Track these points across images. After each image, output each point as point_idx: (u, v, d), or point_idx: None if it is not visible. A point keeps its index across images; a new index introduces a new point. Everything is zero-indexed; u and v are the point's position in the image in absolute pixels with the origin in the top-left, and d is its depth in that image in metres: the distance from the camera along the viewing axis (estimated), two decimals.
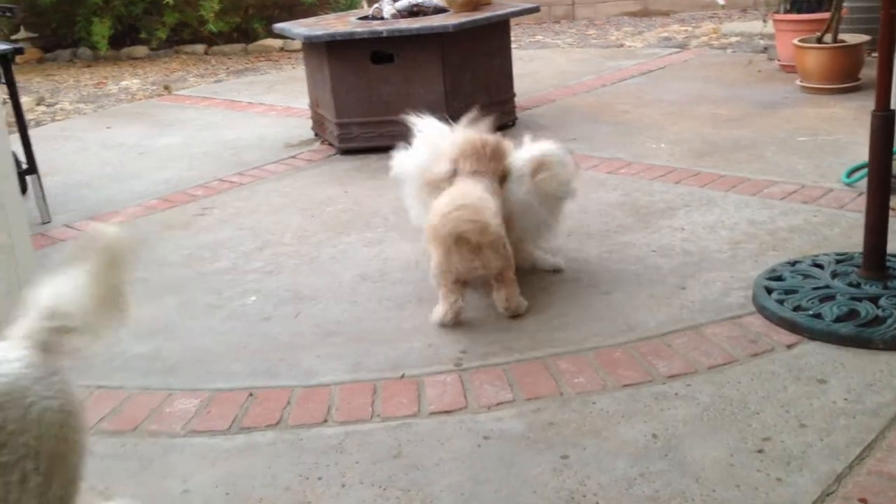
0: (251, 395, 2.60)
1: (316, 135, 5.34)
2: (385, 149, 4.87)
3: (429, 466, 2.20)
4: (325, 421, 2.44)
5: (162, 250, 3.78)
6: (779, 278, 2.90)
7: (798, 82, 5.51)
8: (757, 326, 2.71)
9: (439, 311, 2.90)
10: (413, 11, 5.14)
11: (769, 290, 2.82)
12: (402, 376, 2.62)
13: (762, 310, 2.76)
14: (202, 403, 2.57)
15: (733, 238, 3.38)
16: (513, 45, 5.41)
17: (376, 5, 5.22)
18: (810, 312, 2.64)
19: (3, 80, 4.16)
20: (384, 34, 4.70)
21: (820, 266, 2.92)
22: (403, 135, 4.94)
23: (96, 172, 5.01)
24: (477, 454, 2.23)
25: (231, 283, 3.38)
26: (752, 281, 2.97)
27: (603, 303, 2.97)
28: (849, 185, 3.80)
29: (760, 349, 2.58)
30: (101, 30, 8.44)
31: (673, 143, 4.66)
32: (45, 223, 4.20)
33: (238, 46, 8.89)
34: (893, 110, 2.69)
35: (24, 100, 6.80)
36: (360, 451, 2.29)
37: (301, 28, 5.05)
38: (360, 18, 5.19)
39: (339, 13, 6.25)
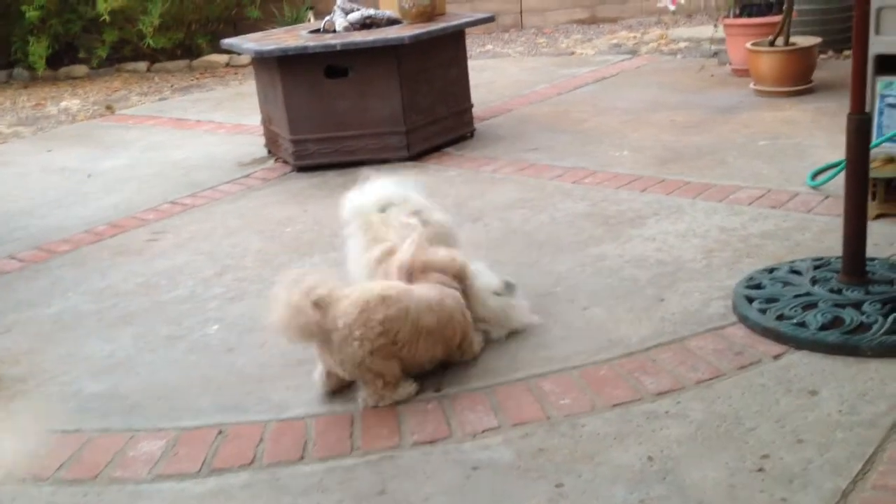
0: (221, 432, 2.45)
1: (269, 152, 5.18)
2: (343, 165, 4.78)
3: (417, 502, 2.08)
4: (302, 458, 2.30)
5: (114, 278, 3.59)
6: (758, 286, 2.85)
7: (752, 86, 5.53)
8: (741, 337, 2.65)
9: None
10: (366, 24, 5.02)
11: (750, 300, 2.76)
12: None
13: (744, 320, 2.70)
14: (168, 444, 2.41)
15: (706, 246, 3.33)
16: None
17: (328, 18, 5.09)
18: (794, 321, 2.59)
19: None
20: (338, 48, 4.58)
21: (798, 272, 2.88)
22: (361, 150, 4.86)
23: (39, 199, 4.78)
24: (467, 487, 2.12)
25: (191, 312, 3.22)
26: (730, 290, 2.92)
27: (582, 319, 2.88)
28: (814, 187, 3.79)
29: (747, 361, 2.52)
30: (38, 49, 8.14)
31: (635, 150, 4.62)
32: None
33: (182, 63, 8.66)
34: (868, 112, 2.65)
35: None
36: (343, 489, 2.16)
37: (250, 43, 4.90)
38: (312, 32, 5.06)
39: (287, 27, 6.10)
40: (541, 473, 2.14)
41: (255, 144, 5.33)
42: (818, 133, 4.53)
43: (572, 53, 7.78)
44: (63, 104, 7.42)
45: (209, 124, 6.19)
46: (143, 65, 8.66)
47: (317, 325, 2.39)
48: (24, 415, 2.62)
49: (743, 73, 5.83)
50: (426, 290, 2.57)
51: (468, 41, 5.21)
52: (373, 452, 2.29)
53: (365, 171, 3.16)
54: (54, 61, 8.56)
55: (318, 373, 2.60)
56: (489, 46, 8.56)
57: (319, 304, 2.39)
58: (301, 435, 2.40)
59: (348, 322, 2.41)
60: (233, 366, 2.81)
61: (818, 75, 5.46)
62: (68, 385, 2.78)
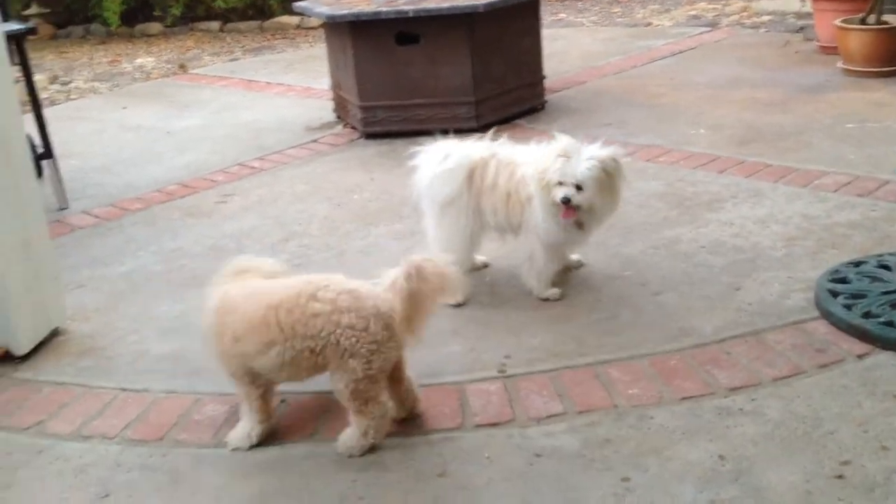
0: (283, 401, 2.45)
1: (338, 117, 5.16)
2: (411, 133, 4.72)
3: (478, 487, 2.05)
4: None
5: (184, 240, 3.62)
6: (843, 280, 2.72)
7: (839, 65, 5.29)
8: (823, 333, 2.54)
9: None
10: None
11: (834, 294, 2.64)
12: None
13: (827, 315, 2.58)
14: (232, 410, 2.42)
15: (787, 234, 3.19)
16: None
17: None
18: (882, 320, 2.47)
19: (17, 61, 3.99)
20: (410, 14, 4.50)
21: (887, 267, 2.74)
22: (429, 119, 4.78)
23: (114, 156, 4.85)
24: (530, 474, 2.08)
25: None
26: (812, 282, 2.79)
27: (653, 304, 2.80)
28: None
29: (829, 359, 2.41)
30: (113, 6, 8.24)
31: (713, 128, 4.46)
32: (62, 209, 4.04)
33: (253, 24, 8.68)
34: None
35: (38, 78, 6.62)
36: (403, 468, 2.14)
37: (323, 7, 4.85)
38: None
39: None
40: (606, 465, 2.08)
41: (324, 109, 5.31)
42: None
43: (648, 24, 7.55)
44: (138, 61, 7.51)
45: (279, 87, 6.19)
46: (215, 24, 8.70)
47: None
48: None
49: (830, 50, 5.57)
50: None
51: (540, 8, 5.07)
52: (435, 432, 2.26)
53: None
54: (130, 18, 8.66)
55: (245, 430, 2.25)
56: (562, 15, 8.37)
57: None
58: None
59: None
60: None
61: None
62: (137, 344, 2.82)
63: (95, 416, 2.42)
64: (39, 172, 4.18)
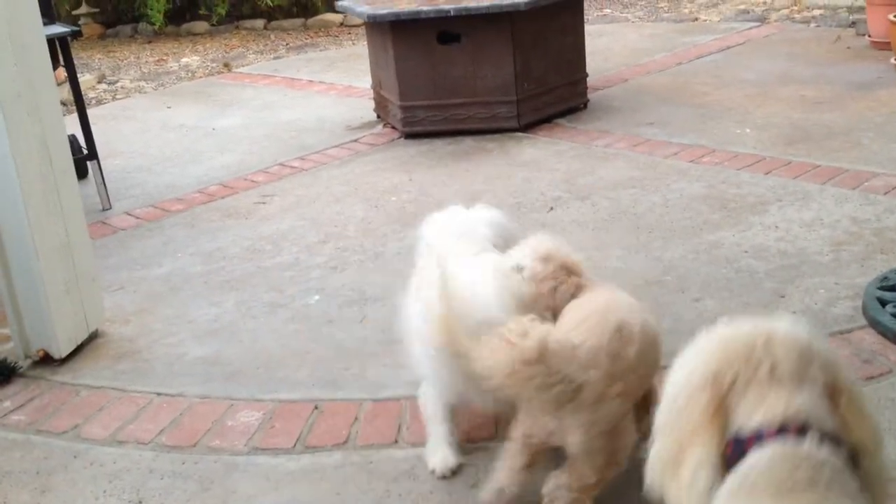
0: (316, 407, 2.45)
1: (378, 117, 5.15)
2: (452, 133, 4.71)
3: None
4: (396, 441, 2.27)
5: (222, 241, 3.65)
6: (892, 288, 2.63)
7: (892, 61, 5.12)
8: (870, 343, 2.45)
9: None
10: None
11: (883, 302, 2.55)
12: None
13: (875, 324, 2.50)
14: (265, 416, 2.42)
15: (835, 238, 3.10)
16: None
17: None
18: None
19: (62, 62, 4.06)
20: (451, 13, 4.46)
21: None
22: (470, 119, 4.76)
23: (157, 155, 4.91)
24: None
25: (293, 280, 3.23)
26: (860, 289, 2.70)
27: (694, 311, 2.73)
28: None
29: (877, 371, 2.33)
30: (157, 5, 8.34)
31: (759, 128, 4.35)
32: (105, 210, 4.10)
33: (297, 21, 8.72)
34: None
35: (86, 77, 6.77)
36: (434, 479, 2.11)
37: (364, 6, 4.84)
38: None
39: None
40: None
41: (365, 108, 5.31)
42: None
43: (695, 19, 7.41)
44: (184, 60, 7.59)
45: (320, 85, 6.21)
46: (260, 22, 8.76)
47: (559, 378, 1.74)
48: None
49: (883, 46, 5.40)
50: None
51: (585, 4, 5.00)
52: (469, 442, 2.23)
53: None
54: (177, 17, 8.76)
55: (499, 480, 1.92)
56: (607, 10, 8.26)
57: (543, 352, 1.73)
58: (395, 417, 2.37)
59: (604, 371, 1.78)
60: (332, 339, 2.80)
61: None
62: (174, 347, 2.84)
63: (131, 421, 2.44)
64: (84, 173, 4.25)
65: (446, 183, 4.05)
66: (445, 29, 4.57)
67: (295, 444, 2.29)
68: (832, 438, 1.08)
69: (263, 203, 4.04)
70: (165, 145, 5.08)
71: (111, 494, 2.15)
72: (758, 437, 1.10)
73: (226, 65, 7.25)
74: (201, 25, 8.80)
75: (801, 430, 1.09)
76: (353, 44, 7.69)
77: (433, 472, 2.12)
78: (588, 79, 5.03)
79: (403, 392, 2.47)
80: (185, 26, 8.83)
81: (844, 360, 1.32)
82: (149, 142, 5.19)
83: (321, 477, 2.16)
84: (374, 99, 5.19)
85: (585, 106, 4.97)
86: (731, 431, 1.15)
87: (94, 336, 2.89)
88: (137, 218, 3.99)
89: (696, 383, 1.20)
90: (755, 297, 2.77)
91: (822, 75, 5.16)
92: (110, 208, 4.11)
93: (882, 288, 2.64)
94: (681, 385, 1.24)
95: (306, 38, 8.21)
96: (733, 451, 1.13)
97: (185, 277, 3.34)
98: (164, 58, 7.79)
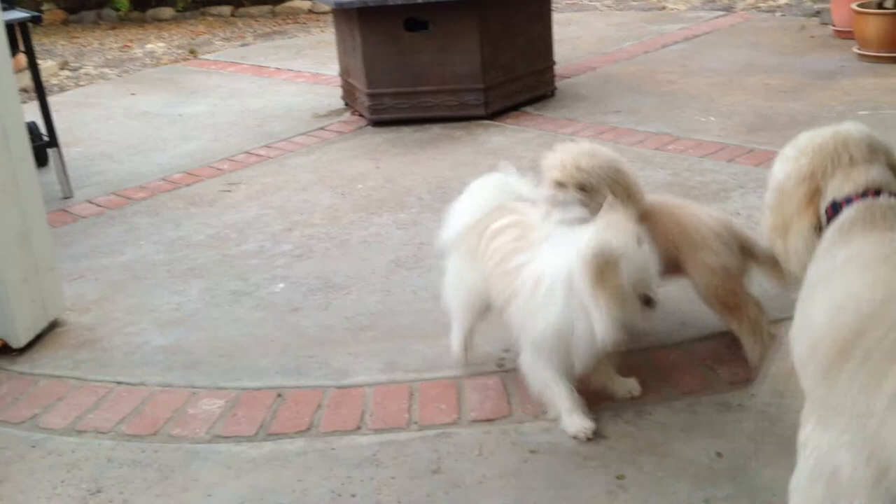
0: (279, 395, 2.44)
1: (346, 105, 5.12)
2: (419, 120, 4.70)
3: (471, 485, 2.03)
4: (359, 428, 2.27)
5: (186, 229, 3.61)
6: None
7: (855, 50, 5.19)
8: None
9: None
10: None
11: None
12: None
13: None
14: (227, 404, 2.41)
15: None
16: None
17: None
18: None
19: (22, 48, 3.99)
20: (419, 0, 4.45)
21: None
22: (437, 106, 4.75)
23: (120, 143, 4.84)
24: (523, 472, 2.05)
25: (258, 268, 3.21)
26: None
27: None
28: None
29: None
30: None
31: (723, 116, 4.39)
32: (66, 198, 4.04)
33: (265, 8, 8.64)
34: None
35: (48, 64, 6.65)
36: (397, 465, 2.12)
37: None
38: None
39: None
40: (602, 462, 2.06)
41: (333, 96, 5.28)
42: None
43: (663, 8, 7.45)
44: (148, 47, 7.50)
45: (288, 73, 6.16)
46: (227, 9, 8.67)
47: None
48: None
49: (846, 35, 5.47)
50: None
51: None
52: (430, 428, 2.24)
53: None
54: (142, 3, 8.64)
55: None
56: None
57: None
58: (359, 404, 2.36)
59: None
60: (296, 327, 2.79)
61: None
62: (135, 336, 2.81)
63: (90, 410, 2.42)
64: (44, 161, 4.19)
65: (413, 170, 4.04)
66: (413, 16, 4.56)
67: (257, 432, 2.28)
68: None
69: (229, 191, 4.01)
70: (129, 133, 5.02)
71: (69, 484, 2.13)
72: (847, 201, 1.58)
73: (192, 51, 7.17)
74: (167, 11, 8.69)
75: (878, 192, 1.58)
76: (322, 31, 7.64)
77: (576, 437, 2.13)
78: (556, 67, 5.05)
79: (367, 379, 2.47)
80: (150, 12, 8.71)
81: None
82: (112, 129, 5.13)
83: (283, 464, 2.16)
84: (342, 86, 5.16)
85: (553, 94, 4.98)
86: (827, 201, 1.64)
87: (53, 325, 2.85)
88: (99, 206, 3.94)
89: (798, 175, 1.69)
90: None
91: (786, 64, 5.21)
92: (72, 196, 4.05)
93: None
94: (786, 175, 1.73)
95: (274, 26, 8.13)
96: (832, 213, 1.62)
97: (148, 266, 3.30)
98: (129, 44, 7.68)
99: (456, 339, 2.47)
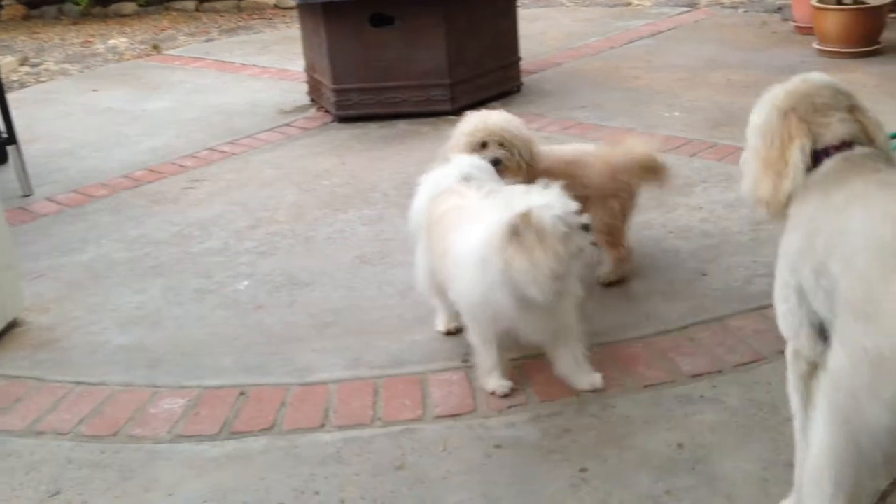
0: (242, 393, 2.42)
1: (312, 100, 5.09)
2: (385, 116, 4.68)
3: (435, 480, 2.03)
4: (323, 425, 2.26)
5: (148, 227, 3.57)
6: None
7: (815, 45, 5.26)
8: None
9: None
10: None
11: None
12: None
13: None
14: (189, 403, 2.39)
15: (755, 218, 3.16)
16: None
17: None
18: None
19: None
20: None
21: None
22: (404, 102, 4.74)
23: (81, 140, 4.77)
24: (488, 466, 2.06)
25: (222, 266, 3.18)
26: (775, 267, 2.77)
27: (620, 290, 2.78)
28: None
29: None
30: None
31: (687, 111, 4.43)
32: (25, 196, 3.97)
33: (230, 3, 8.55)
34: None
35: (8, 60, 6.54)
36: (361, 462, 2.11)
37: None
38: None
39: None
40: (565, 456, 2.07)
41: (298, 91, 5.24)
42: (884, 99, 4.29)
43: (628, 4, 7.49)
44: (111, 42, 7.39)
45: (253, 68, 6.11)
46: (191, 3, 8.57)
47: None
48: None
49: (807, 30, 5.54)
50: None
51: None
52: (394, 424, 2.24)
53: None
54: None
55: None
56: None
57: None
58: (323, 401, 2.35)
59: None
60: (260, 324, 2.77)
61: (887, 36, 5.16)
62: (95, 335, 2.77)
63: (49, 411, 2.38)
64: (3, 158, 4.12)
65: (379, 166, 4.03)
66: (378, 11, 4.54)
67: (220, 431, 2.27)
68: (868, 142, 1.70)
69: (192, 188, 3.97)
70: (90, 129, 4.95)
71: (27, 486, 2.10)
72: (826, 152, 1.69)
73: (155, 47, 7.08)
74: (129, 6, 8.57)
75: (850, 144, 1.69)
76: (288, 26, 7.58)
77: (493, 393, 2.30)
78: (522, 62, 5.05)
79: (331, 376, 2.46)
80: (112, 7, 8.58)
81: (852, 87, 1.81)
82: (73, 126, 5.05)
83: (246, 463, 2.14)
84: (308, 82, 5.13)
85: (519, 89, 4.99)
86: (806, 148, 1.71)
87: (12, 325, 2.81)
88: (60, 204, 3.88)
89: (777, 113, 1.80)
90: (678, 275, 2.83)
91: (748, 60, 5.27)
92: (31, 194, 3.98)
93: None
94: (765, 119, 1.84)
95: (239, 21, 8.06)
96: (813, 162, 1.71)
97: (109, 264, 3.26)
98: (91, 39, 7.57)
99: (439, 321, 2.60)
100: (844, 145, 1.69)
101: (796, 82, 1.84)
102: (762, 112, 1.87)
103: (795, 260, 1.65)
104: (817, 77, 1.83)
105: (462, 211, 2.31)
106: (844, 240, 1.52)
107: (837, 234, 1.55)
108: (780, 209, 1.72)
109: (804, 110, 1.75)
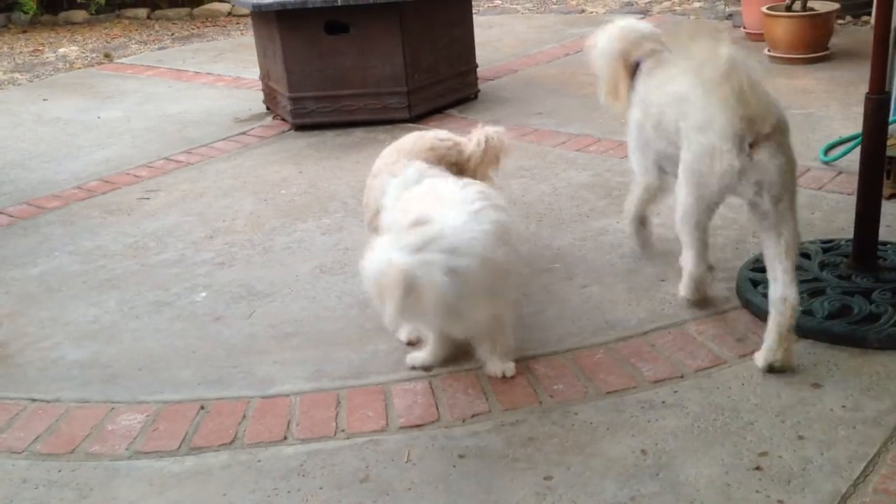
0: (202, 407, 2.38)
1: (268, 109, 5.05)
2: (342, 125, 4.66)
3: (400, 492, 2.02)
4: (285, 438, 2.23)
5: (103, 239, 3.50)
6: (764, 269, 2.74)
7: (766, 52, 5.36)
8: (743, 323, 2.56)
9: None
10: None
11: (754, 283, 2.66)
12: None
13: (748, 304, 2.61)
14: (148, 419, 2.34)
15: (711, 224, 3.21)
16: None
17: None
18: (800, 308, 2.49)
19: None
20: (339, 3, 4.41)
21: (807, 256, 2.77)
22: (360, 110, 4.72)
23: (31, 150, 4.67)
24: (452, 476, 2.05)
25: (179, 278, 3.13)
26: (735, 271, 2.82)
27: (580, 297, 2.79)
28: (826, 163, 3.66)
29: (749, 349, 2.42)
30: None
31: None
32: None
33: (183, 11, 8.46)
34: (888, 92, 2.52)
35: None
36: (324, 475, 2.09)
37: None
38: None
39: None
40: (530, 464, 2.07)
41: (254, 100, 5.20)
42: (833, 104, 4.38)
43: (582, 11, 7.57)
44: (61, 51, 7.26)
45: (208, 77, 6.04)
46: (143, 11, 8.46)
47: None
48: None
49: (757, 37, 5.64)
50: None
51: None
52: (358, 436, 2.22)
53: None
54: (53, 5, 8.37)
55: None
56: (497, 1, 8.34)
57: None
58: (285, 413, 2.33)
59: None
60: (219, 336, 2.73)
61: (835, 42, 5.29)
62: (49, 351, 2.71)
63: (2, 430, 2.32)
64: None
65: (337, 175, 4.00)
66: (333, 19, 4.52)
67: (180, 446, 2.23)
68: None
69: (147, 198, 3.90)
70: (40, 140, 4.85)
71: None
72: (640, 60, 2.76)
73: (107, 55, 6.97)
74: (80, 14, 8.43)
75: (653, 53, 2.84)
76: (242, 34, 7.52)
77: (413, 367, 2.45)
78: (478, 69, 5.07)
79: (293, 388, 2.44)
80: (62, 15, 8.44)
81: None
82: (22, 136, 4.94)
83: (207, 478, 2.11)
84: (263, 90, 5.08)
85: (476, 96, 5.01)
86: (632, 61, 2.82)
87: None
88: (10, 216, 3.79)
89: (613, 53, 2.84)
90: (638, 281, 2.85)
91: None
92: None
93: (754, 269, 2.75)
94: (606, 50, 2.86)
95: (193, 29, 7.97)
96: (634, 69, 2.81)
97: (62, 277, 3.19)
98: (40, 48, 7.43)
99: (402, 331, 2.61)
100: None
101: (621, 23, 2.88)
102: (601, 44, 2.88)
103: (641, 124, 2.76)
104: (633, 21, 2.88)
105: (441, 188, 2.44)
106: (671, 98, 2.50)
107: (666, 98, 2.55)
108: (623, 102, 2.85)
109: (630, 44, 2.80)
